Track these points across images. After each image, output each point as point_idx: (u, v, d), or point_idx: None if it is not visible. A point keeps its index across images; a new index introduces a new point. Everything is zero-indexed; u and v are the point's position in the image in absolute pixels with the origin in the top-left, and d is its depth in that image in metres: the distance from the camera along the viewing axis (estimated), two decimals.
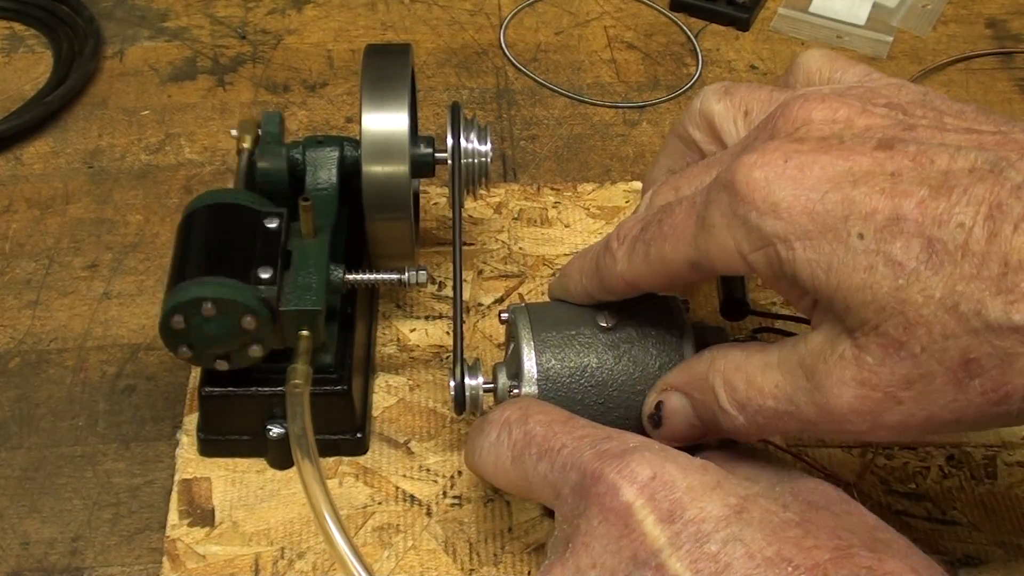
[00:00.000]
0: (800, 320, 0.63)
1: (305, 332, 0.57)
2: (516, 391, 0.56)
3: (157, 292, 0.69)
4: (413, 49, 0.65)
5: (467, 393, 0.58)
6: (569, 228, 0.73)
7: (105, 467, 0.62)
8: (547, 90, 0.83)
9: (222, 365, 0.57)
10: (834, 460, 0.61)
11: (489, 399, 0.58)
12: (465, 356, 0.58)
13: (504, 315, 0.59)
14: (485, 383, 0.58)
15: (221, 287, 0.55)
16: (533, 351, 0.56)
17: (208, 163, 0.77)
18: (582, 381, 0.56)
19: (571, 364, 0.56)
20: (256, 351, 0.57)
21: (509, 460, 0.51)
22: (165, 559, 0.57)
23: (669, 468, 0.46)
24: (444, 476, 0.61)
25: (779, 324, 0.65)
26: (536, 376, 0.56)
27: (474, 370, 0.58)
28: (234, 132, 0.65)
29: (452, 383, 0.58)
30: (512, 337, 0.58)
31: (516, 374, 0.56)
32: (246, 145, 0.64)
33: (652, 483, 0.46)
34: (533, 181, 0.76)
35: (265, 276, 0.56)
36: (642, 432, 0.55)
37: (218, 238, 0.58)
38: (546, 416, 0.51)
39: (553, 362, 0.56)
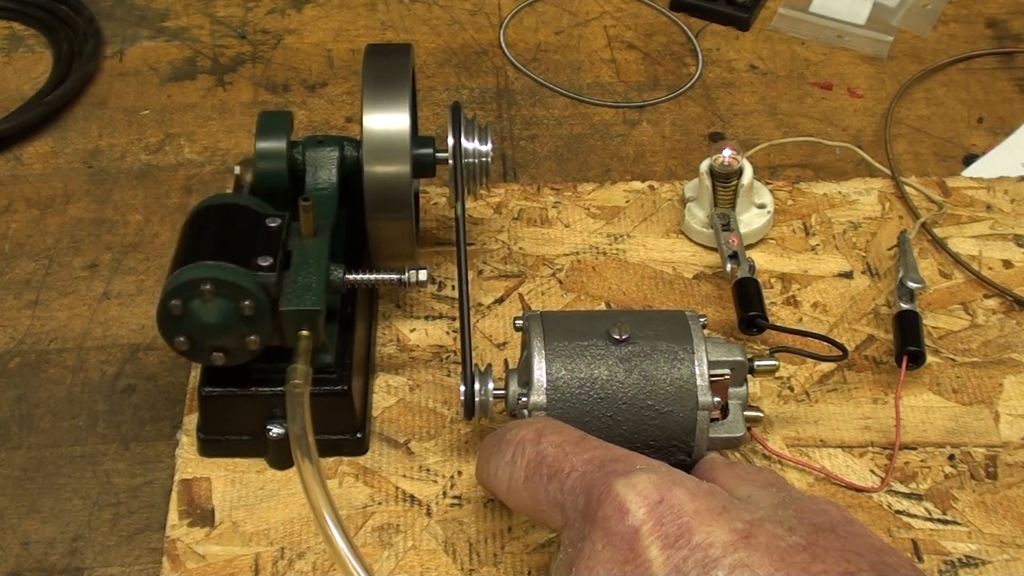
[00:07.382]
0: (817, 336, 0.63)
1: (305, 332, 0.57)
2: (524, 399, 0.56)
3: (157, 292, 0.69)
4: (413, 49, 0.65)
5: (477, 399, 0.58)
6: (569, 228, 0.73)
7: (105, 467, 0.62)
8: (547, 90, 0.83)
9: (219, 359, 0.57)
10: (836, 462, 0.61)
11: (499, 405, 0.58)
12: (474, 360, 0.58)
13: (519, 322, 0.59)
14: (495, 390, 0.58)
15: (221, 269, 0.55)
16: (544, 360, 0.56)
17: (208, 163, 0.77)
18: (591, 393, 0.55)
19: (580, 375, 0.56)
20: (253, 342, 0.57)
21: (521, 480, 0.51)
22: (165, 559, 0.57)
23: (676, 492, 0.46)
24: (444, 476, 0.61)
25: (797, 340, 0.64)
26: (545, 385, 0.55)
27: (485, 376, 0.58)
28: (237, 170, 0.65)
29: (463, 389, 0.58)
30: (525, 344, 0.58)
31: (527, 382, 0.56)
32: (248, 179, 0.64)
33: (659, 507, 0.45)
34: (533, 181, 0.76)
35: (265, 264, 0.56)
36: (649, 449, 0.55)
37: (221, 231, 0.58)
38: (559, 437, 0.51)
39: (563, 372, 0.56)
